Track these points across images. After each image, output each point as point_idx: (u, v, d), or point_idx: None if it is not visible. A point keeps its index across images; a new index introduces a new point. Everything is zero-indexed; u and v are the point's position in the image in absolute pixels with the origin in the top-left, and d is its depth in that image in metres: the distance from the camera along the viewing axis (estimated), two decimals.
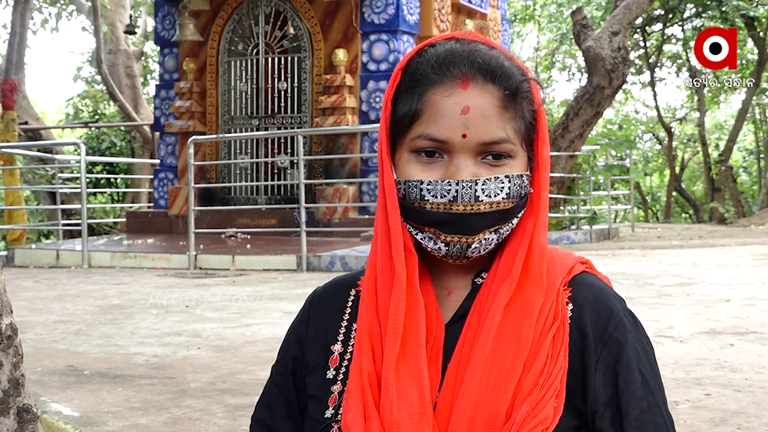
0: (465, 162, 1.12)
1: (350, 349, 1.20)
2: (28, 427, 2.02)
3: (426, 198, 1.13)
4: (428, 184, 1.12)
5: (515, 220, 1.15)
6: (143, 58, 22.48)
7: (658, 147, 28.29)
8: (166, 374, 4.16)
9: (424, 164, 1.14)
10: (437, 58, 1.15)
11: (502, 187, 1.12)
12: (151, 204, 13.67)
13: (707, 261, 8.87)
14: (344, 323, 1.23)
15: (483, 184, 1.11)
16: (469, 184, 1.11)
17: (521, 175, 1.14)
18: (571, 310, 1.15)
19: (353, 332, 1.21)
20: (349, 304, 1.25)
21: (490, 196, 1.12)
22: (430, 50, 1.17)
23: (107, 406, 3.59)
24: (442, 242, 1.13)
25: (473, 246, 1.13)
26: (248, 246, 9.84)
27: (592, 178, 12.60)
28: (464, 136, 1.11)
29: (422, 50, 1.18)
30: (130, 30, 17.87)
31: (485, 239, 1.13)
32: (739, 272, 7.89)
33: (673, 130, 25.31)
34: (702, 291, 6.67)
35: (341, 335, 1.22)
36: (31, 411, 2.03)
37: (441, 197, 1.12)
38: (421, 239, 1.15)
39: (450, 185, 1.11)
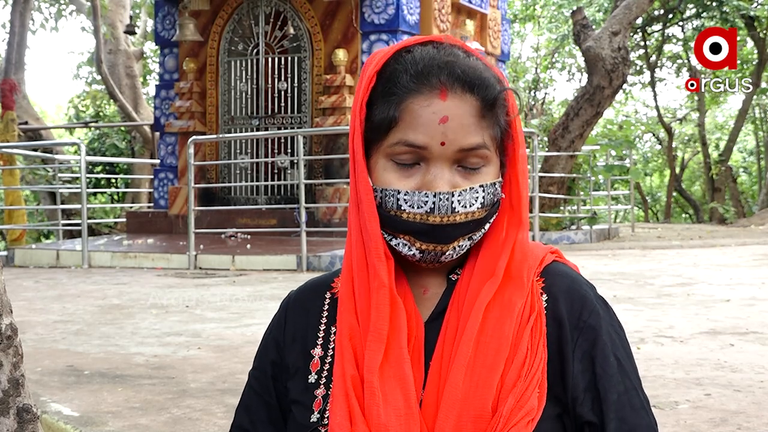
0: (442, 171, 1.12)
1: (330, 352, 1.20)
2: (28, 427, 2.02)
3: (403, 208, 1.13)
4: (405, 195, 1.12)
5: (487, 226, 1.17)
6: (143, 58, 22.48)
7: (658, 147, 28.29)
8: (166, 374, 4.16)
9: (401, 171, 1.14)
10: (415, 66, 1.13)
11: (477, 197, 1.13)
12: (151, 204, 13.67)
13: (707, 261, 8.87)
14: (322, 326, 1.23)
15: (459, 196, 1.12)
16: (446, 196, 1.12)
17: (494, 183, 1.15)
18: (545, 300, 1.17)
19: (332, 335, 1.21)
20: (326, 306, 1.25)
21: (465, 207, 1.13)
22: (406, 56, 1.15)
23: (107, 406, 3.59)
24: (417, 249, 1.14)
25: (447, 253, 1.15)
26: (248, 246, 9.83)
27: (592, 178, 12.60)
28: (443, 143, 1.11)
29: (398, 55, 1.16)
30: (130, 30, 17.87)
31: (459, 246, 1.15)
32: (739, 272, 7.89)
33: (673, 130, 25.31)
34: (702, 291, 6.67)
35: (320, 339, 1.22)
36: (31, 411, 2.03)
37: (418, 208, 1.12)
38: (396, 245, 1.15)
39: (427, 197, 1.12)
